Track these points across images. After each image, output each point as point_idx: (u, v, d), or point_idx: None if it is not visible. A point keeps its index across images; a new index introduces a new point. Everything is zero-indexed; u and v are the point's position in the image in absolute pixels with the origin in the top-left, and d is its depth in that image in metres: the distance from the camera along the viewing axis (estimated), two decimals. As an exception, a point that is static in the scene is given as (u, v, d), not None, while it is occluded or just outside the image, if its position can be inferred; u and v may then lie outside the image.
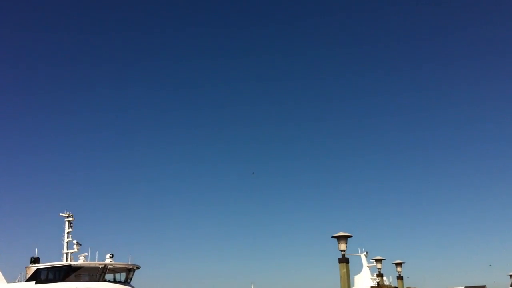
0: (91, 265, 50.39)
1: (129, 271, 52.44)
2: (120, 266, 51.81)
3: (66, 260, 52.59)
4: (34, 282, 50.83)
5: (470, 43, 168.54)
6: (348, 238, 42.23)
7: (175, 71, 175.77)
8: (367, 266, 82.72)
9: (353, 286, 77.05)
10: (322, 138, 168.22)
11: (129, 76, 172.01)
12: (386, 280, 76.48)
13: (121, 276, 52.67)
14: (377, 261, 70.50)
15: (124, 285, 51.63)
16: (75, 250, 52.86)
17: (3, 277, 54.02)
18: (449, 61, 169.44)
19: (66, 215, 54.63)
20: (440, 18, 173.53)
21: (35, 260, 52.74)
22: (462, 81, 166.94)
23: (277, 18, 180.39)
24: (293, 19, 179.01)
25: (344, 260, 41.71)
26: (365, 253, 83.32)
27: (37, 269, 51.63)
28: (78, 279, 49.88)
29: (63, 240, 53.89)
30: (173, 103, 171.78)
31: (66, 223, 54.38)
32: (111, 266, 50.70)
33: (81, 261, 51.01)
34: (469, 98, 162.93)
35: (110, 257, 51.04)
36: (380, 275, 70.84)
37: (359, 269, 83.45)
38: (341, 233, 42.19)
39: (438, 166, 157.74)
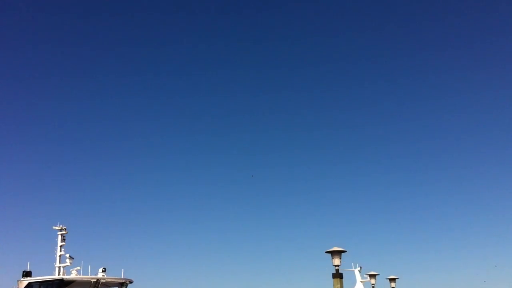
0: (83, 279, 50.03)
1: (122, 285, 52.16)
2: (113, 280, 51.49)
3: (59, 274, 52.17)
4: (26, 296, 50.47)
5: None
6: (342, 253, 42.10)
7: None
8: (361, 282, 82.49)
9: (347, 301, 76.68)
10: (314, 151, 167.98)
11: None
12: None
13: (114, 291, 52.40)
14: (371, 276, 70.40)
15: (117, 299, 51.33)
16: (68, 264, 52.47)
17: (-6, 291, 53.55)
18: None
19: (59, 228, 54.33)
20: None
21: (27, 274, 52.29)
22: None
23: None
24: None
25: (338, 275, 41.53)
26: (359, 268, 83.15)
27: (29, 283, 51.20)
28: (70, 293, 49.51)
29: (55, 253, 53.53)
30: (165, 113, 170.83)
31: (59, 236, 54.05)
32: (104, 281, 50.37)
33: (73, 275, 50.63)
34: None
35: (102, 271, 50.71)
36: (374, 290, 70.66)
37: (353, 284, 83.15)
38: (335, 248, 42.04)
39: (433, 180, 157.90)
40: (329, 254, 42.13)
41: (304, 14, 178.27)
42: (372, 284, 70.13)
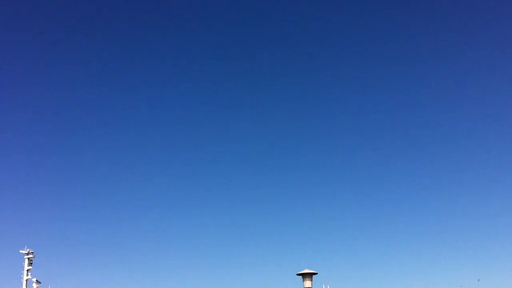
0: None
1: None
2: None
3: (25, 299, 51.10)
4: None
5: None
6: (314, 275, 42.40)
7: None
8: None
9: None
10: (289, 173, 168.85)
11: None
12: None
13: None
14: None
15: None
16: (35, 288, 51.50)
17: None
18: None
19: (26, 252, 53.30)
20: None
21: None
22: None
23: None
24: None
25: (309, 297, 41.78)
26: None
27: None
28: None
29: (22, 278, 52.44)
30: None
31: (26, 260, 53.02)
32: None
33: (40, 300, 49.65)
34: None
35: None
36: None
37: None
38: (306, 271, 42.35)
39: (399, 200, 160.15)
40: (301, 277, 42.40)
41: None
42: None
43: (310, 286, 41.72)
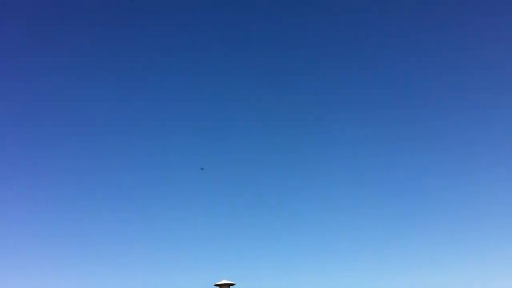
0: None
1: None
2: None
3: None
4: None
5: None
6: (231, 286, 42.59)
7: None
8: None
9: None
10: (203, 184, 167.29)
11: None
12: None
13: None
14: (259, 308, 70.97)
15: None
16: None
17: None
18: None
19: None
20: None
21: None
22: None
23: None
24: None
25: (226, 308, 41.80)
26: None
27: None
28: None
29: None
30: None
31: None
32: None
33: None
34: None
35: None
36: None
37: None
38: (224, 281, 42.47)
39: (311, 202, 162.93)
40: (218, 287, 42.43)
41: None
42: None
43: (227, 297, 41.87)
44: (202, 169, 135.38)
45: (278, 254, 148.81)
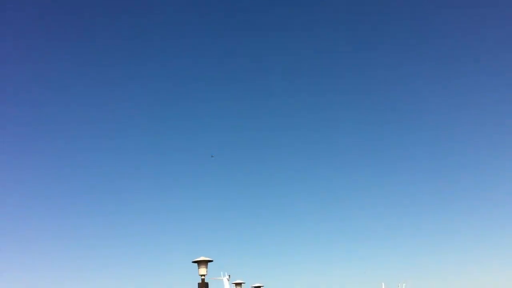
0: None
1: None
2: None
3: None
4: None
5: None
6: (210, 263, 42.82)
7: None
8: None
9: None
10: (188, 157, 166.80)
11: None
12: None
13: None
14: (237, 284, 71.73)
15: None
16: None
17: None
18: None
19: None
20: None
21: None
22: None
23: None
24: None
25: (203, 285, 42.14)
26: (228, 276, 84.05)
27: None
28: None
29: None
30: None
31: None
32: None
33: None
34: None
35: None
36: (240, 298, 72.05)
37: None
38: (202, 258, 42.61)
39: (299, 189, 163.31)
40: (196, 264, 42.61)
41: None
42: (238, 292, 71.55)
43: (205, 273, 42.10)
44: (212, 156, 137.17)
45: (255, 233, 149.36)
